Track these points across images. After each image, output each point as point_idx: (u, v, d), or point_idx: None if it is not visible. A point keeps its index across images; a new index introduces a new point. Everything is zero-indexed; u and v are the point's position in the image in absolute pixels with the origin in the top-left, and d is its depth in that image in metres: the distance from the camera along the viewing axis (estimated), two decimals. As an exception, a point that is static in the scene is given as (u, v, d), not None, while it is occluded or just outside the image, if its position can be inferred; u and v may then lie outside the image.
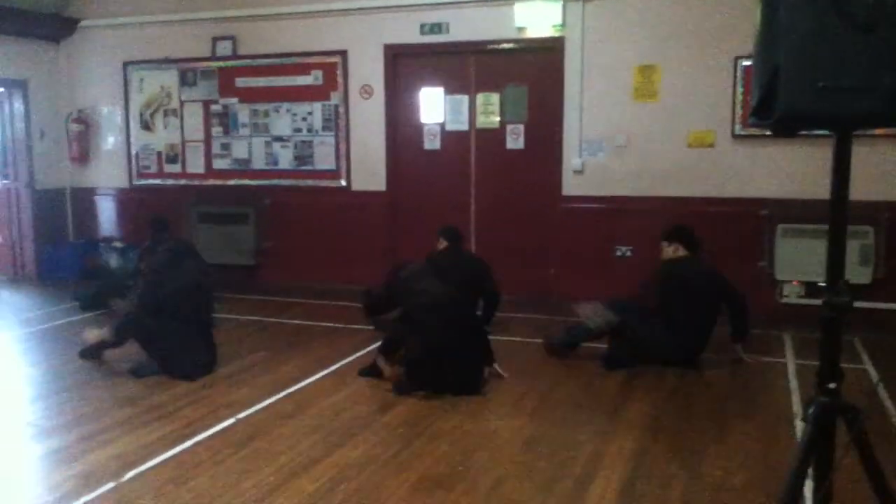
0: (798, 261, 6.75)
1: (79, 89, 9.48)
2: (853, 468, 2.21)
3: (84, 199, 9.65)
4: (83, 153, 9.49)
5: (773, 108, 1.90)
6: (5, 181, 9.45)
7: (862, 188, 6.56)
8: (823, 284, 2.06)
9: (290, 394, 5.01)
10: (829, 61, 1.84)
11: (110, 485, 3.64)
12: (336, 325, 6.87)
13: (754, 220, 6.99)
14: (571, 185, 7.52)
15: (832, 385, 2.06)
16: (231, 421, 4.49)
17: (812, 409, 2.07)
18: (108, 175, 9.50)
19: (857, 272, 6.50)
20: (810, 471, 2.13)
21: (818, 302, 2.13)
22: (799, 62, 1.85)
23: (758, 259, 7.02)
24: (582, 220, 7.48)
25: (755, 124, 2.01)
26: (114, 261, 9.17)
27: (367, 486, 3.64)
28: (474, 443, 4.19)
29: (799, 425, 4.31)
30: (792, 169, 6.84)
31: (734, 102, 6.98)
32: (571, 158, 7.52)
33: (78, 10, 9.31)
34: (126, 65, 9.20)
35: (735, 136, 7.01)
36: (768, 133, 2.06)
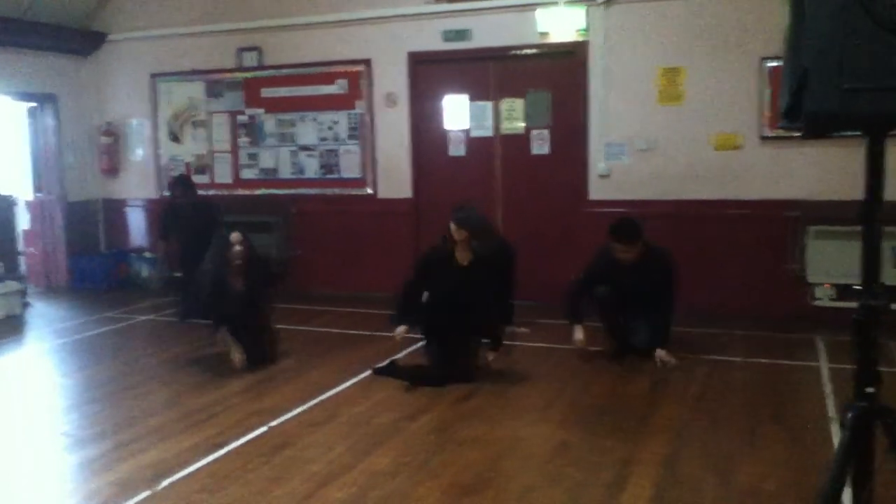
0: (829, 263, 6.67)
1: (107, 102, 9.62)
2: (892, 474, 2.17)
3: (114, 210, 9.78)
4: (113, 165, 9.62)
5: (802, 111, 1.88)
6: (38, 194, 9.60)
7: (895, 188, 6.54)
8: (858, 287, 2.03)
9: (319, 402, 5.03)
10: (856, 62, 1.82)
11: (145, 493, 3.68)
12: (364, 332, 6.90)
13: (784, 222, 6.93)
14: (597, 190, 7.50)
15: (870, 389, 2.03)
16: (262, 429, 4.52)
17: (849, 413, 2.04)
18: (137, 186, 9.62)
19: (891, 274, 6.41)
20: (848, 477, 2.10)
21: (851, 305, 2.10)
22: (826, 64, 1.83)
23: (788, 262, 6.95)
24: (608, 225, 7.43)
25: (786, 127, 2.00)
26: (144, 271, 9.30)
27: (397, 493, 3.65)
28: (503, 450, 4.19)
29: (834, 430, 4.26)
30: (822, 170, 6.76)
31: (760, 104, 6.93)
32: (597, 163, 7.50)
33: (105, 24, 9.45)
34: (153, 77, 9.32)
35: (762, 138, 6.96)
36: (796, 134, 2.04)
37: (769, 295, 7.02)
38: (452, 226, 5.51)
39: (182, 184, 8.06)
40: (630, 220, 5.91)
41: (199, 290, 5.99)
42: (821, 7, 1.85)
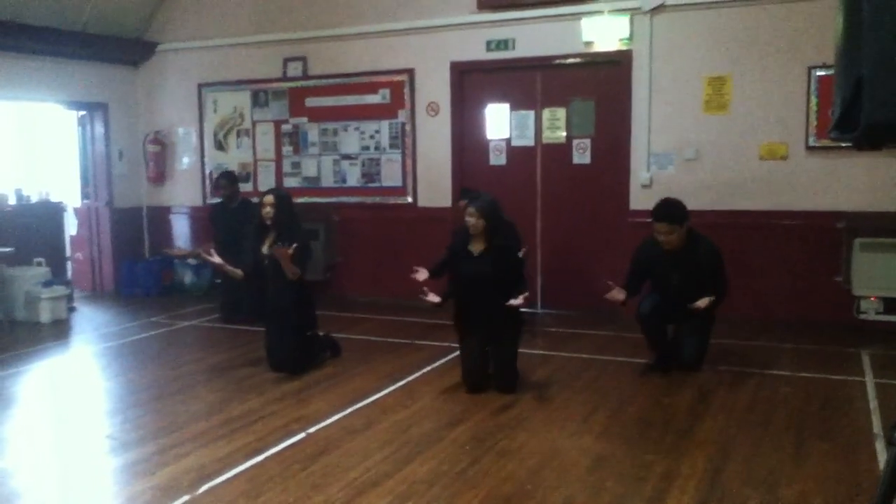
0: (876, 275, 6.53)
1: (156, 111, 9.80)
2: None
3: (159, 217, 9.95)
4: (159, 173, 9.79)
5: (857, 121, 1.84)
6: (86, 200, 9.81)
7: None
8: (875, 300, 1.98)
9: (359, 409, 5.05)
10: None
11: (185, 497, 3.72)
12: (404, 340, 6.92)
13: (830, 233, 6.81)
14: (639, 200, 7.43)
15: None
16: (301, 436, 4.54)
17: (897, 431, 1.99)
18: (182, 194, 9.78)
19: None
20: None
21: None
22: (885, 72, 1.78)
23: (834, 274, 6.82)
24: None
25: (838, 138, 1.95)
26: (188, 277, 9.43)
27: (436, 502, 3.64)
28: (542, 461, 4.15)
29: (879, 447, 4.16)
30: (870, 181, 6.64)
31: (808, 113, 6.82)
32: (639, 172, 7.44)
33: (156, 35, 9.64)
34: (201, 87, 9.47)
35: (809, 148, 6.85)
36: (844, 145, 1.98)
37: (817, 307, 6.89)
38: (470, 218, 5.33)
39: (227, 177, 8.22)
40: (673, 200, 5.70)
41: (242, 259, 6.11)
42: (882, 15, 1.80)
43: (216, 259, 6.02)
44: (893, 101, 1.75)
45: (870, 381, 5.46)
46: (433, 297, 5.47)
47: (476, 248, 5.42)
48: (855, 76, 1.79)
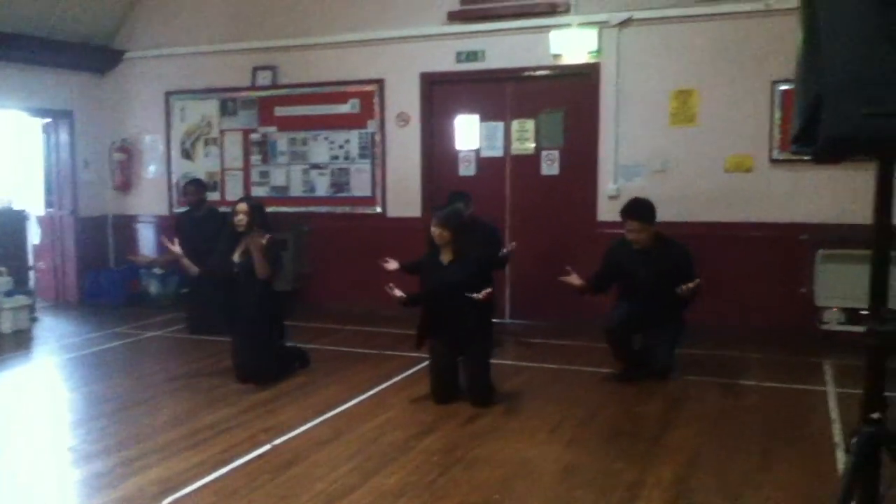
0: (839, 287, 6.64)
1: (122, 119, 9.70)
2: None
3: (125, 226, 9.84)
4: (125, 181, 9.69)
5: (816, 135, 1.88)
6: (50, 209, 9.67)
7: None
8: (866, 312, 2.02)
9: (327, 419, 5.02)
10: (873, 87, 1.82)
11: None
12: (374, 350, 6.90)
13: (794, 245, 6.91)
14: (607, 211, 7.50)
15: (876, 415, 2.02)
16: (268, 447, 4.51)
17: (855, 439, 2.03)
18: (149, 203, 9.68)
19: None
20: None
21: (860, 329, 2.09)
22: (843, 88, 1.82)
23: (798, 285, 6.93)
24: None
25: (798, 151, 2.00)
26: (154, 287, 9.33)
27: (404, 513, 3.63)
28: (511, 471, 4.16)
29: (840, 456, 4.22)
30: (832, 193, 6.75)
31: (772, 126, 6.93)
32: (607, 184, 7.50)
33: (123, 42, 9.55)
34: (168, 95, 9.40)
35: (773, 161, 6.96)
36: (807, 158, 2.03)
37: (782, 317, 6.99)
38: (435, 229, 5.37)
39: (195, 183, 8.20)
40: (643, 200, 5.94)
41: (211, 266, 6.10)
42: (838, 33, 1.85)
43: (177, 249, 6.07)
44: (850, 116, 1.79)
45: (831, 390, 5.55)
46: (398, 292, 5.47)
47: (445, 257, 5.43)
48: (814, 92, 1.83)
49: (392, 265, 5.82)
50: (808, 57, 1.91)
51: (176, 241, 6.19)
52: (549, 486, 3.97)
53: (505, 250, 6.23)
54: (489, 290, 5.16)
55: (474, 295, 5.10)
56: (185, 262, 6.08)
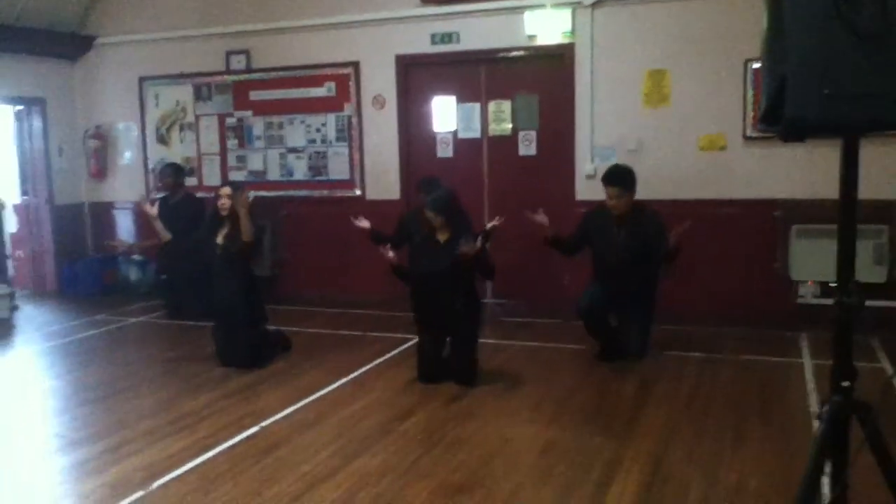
0: (813, 261, 6.74)
1: (95, 106, 9.62)
2: (872, 466, 2.22)
3: (102, 213, 9.77)
4: (101, 169, 9.62)
5: (781, 116, 1.94)
6: (25, 197, 9.59)
7: (877, 187, 6.61)
8: (833, 285, 2.09)
9: (310, 403, 5.06)
10: (835, 69, 1.87)
11: (137, 494, 3.71)
12: (354, 333, 6.94)
13: (768, 221, 7.01)
14: (585, 190, 7.55)
15: (845, 384, 2.09)
16: (253, 430, 4.55)
17: (826, 407, 2.10)
18: (125, 190, 9.61)
19: (872, 271, 6.50)
20: (827, 469, 2.16)
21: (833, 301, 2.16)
22: (805, 70, 1.88)
23: (772, 260, 7.03)
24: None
25: (764, 130, 2.05)
26: (133, 274, 9.29)
27: (387, 494, 3.69)
28: (492, 450, 4.23)
29: (816, 425, 4.32)
30: (805, 170, 6.84)
31: (745, 105, 7.00)
32: (584, 164, 7.56)
33: (94, 28, 9.45)
34: (142, 80, 9.32)
35: (746, 139, 7.03)
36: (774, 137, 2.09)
37: (757, 293, 7.09)
38: (430, 215, 5.49)
39: (172, 167, 8.20)
40: (624, 166, 6.12)
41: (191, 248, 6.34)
42: (801, 16, 1.90)
43: (152, 210, 6.37)
44: (813, 97, 1.84)
45: (808, 362, 5.67)
46: (363, 222, 6.05)
47: (441, 237, 5.52)
48: (779, 73, 1.88)
49: (364, 223, 6.23)
50: (773, 39, 1.96)
51: (153, 204, 6.41)
52: (530, 463, 4.05)
53: (490, 225, 6.24)
54: (478, 246, 5.28)
55: (462, 248, 5.21)
56: (159, 225, 6.33)
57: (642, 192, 7.30)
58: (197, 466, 4.04)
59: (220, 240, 5.97)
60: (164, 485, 3.82)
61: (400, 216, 6.83)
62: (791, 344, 6.20)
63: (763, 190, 7.04)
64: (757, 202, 7.06)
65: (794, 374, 5.45)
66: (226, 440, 4.39)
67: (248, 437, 4.45)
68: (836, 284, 2.12)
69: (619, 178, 5.92)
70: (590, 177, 7.52)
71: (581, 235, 6.10)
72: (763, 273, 7.06)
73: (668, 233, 5.68)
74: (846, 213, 2.09)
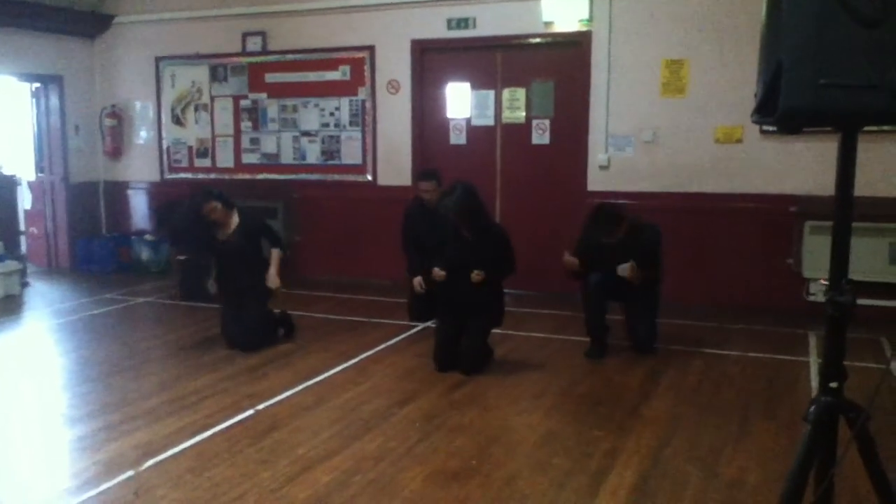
0: (825, 258, 6.59)
1: (112, 84, 9.65)
2: (854, 468, 2.18)
3: (117, 192, 9.82)
4: (116, 147, 9.66)
5: (776, 106, 1.89)
6: (41, 174, 9.65)
7: (890, 185, 6.51)
8: (825, 283, 2.04)
9: (311, 386, 5.06)
10: (831, 58, 1.82)
11: (130, 472, 3.72)
12: (361, 318, 6.93)
13: (782, 216, 6.92)
14: (596, 181, 7.49)
15: (834, 384, 2.04)
16: (251, 412, 4.55)
17: (813, 408, 2.06)
18: (140, 169, 9.66)
19: (888, 271, 6.40)
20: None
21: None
22: (801, 59, 1.83)
23: (785, 256, 6.94)
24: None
25: (759, 121, 2.00)
26: (145, 254, 9.34)
27: (382, 478, 3.67)
28: (491, 437, 4.21)
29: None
30: (821, 165, 6.74)
31: (763, 98, 6.89)
32: (597, 154, 7.49)
33: (113, 7, 9.47)
34: (158, 60, 9.34)
35: (763, 132, 6.93)
36: (772, 129, 2.02)
37: (769, 289, 7.02)
38: (452, 218, 5.48)
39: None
40: (608, 207, 5.83)
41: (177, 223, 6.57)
42: (799, 3, 1.85)
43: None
44: (808, 87, 1.79)
45: (814, 361, 5.59)
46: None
47: (467, 232, 5.52)
48: (775, 62, 1.83)
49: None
50: (770, 27, 1.91)
51: None
52: (528, 452, 4.02)
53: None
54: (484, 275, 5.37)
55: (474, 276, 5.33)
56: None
57: (656, 184, 7.27)
58: (193, 446, 4.05)
59: (221, 237, 6.10)
60: (158, 463, 3.83)
61: (405, 211, 6.73)
62: (800, 342, 6.12)
63: (778, 184, 6.95)
64: (772, 197, 6.97)
65: (800, 372, 5.38)
66: (224, 421, 4.39)
67: (246, 419, 4.45)
68: (827, 282, 2.08)
69: (608, 221, 5.66)
70: (602, 167, 7.46)
71: (583, 256, 5.85)
72: (776, 269, 6.98)
73: (660, 250, 5.68)
74: (842, 210, 2.04)
